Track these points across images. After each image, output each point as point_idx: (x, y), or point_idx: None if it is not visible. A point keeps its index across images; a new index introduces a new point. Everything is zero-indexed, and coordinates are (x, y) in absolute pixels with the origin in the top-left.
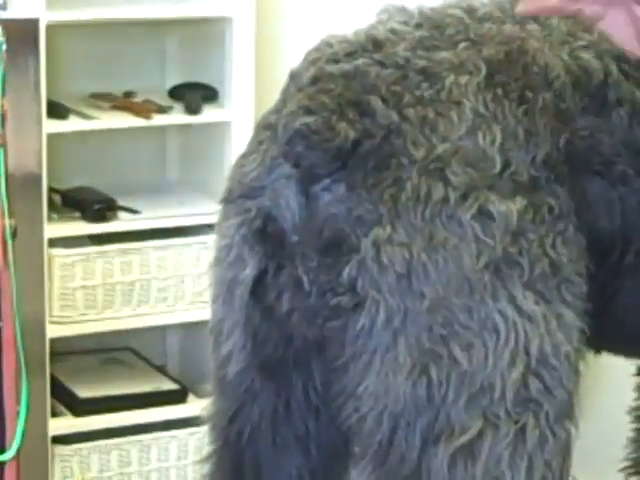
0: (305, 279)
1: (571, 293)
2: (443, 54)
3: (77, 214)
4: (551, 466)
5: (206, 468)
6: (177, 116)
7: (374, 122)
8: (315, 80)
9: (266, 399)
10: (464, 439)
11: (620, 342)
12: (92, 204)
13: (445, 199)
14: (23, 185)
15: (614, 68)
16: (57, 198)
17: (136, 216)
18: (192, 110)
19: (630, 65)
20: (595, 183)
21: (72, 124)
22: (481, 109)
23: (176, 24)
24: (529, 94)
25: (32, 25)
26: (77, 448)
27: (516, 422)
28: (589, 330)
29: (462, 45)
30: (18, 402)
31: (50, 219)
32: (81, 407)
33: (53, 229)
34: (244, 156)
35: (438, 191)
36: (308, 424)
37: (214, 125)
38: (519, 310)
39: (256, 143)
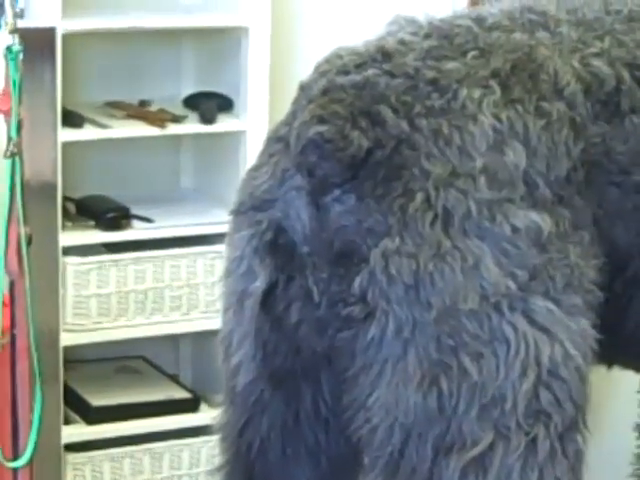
0: (315, 290)
1: (587, 303)
2: (452, 64)
3: (91, 222)
4: (562, 479)
5: (218, 479)
6: (192, 125)
7: (385, 132)
8: (326, 91)
9: (275, 410)
10: (475, 451)
11: (631, 356)
12: (106, 213)
13: (469, 214)
14: (38, 193)
15: (627, 75)
16: (71, 206)
17: (150, 225)
18: (207, 119)
19: None
20: (611, 192)
21: (87, 133)
22: (502, 126)
23: (192, 34)
24: (545, 105)
25: (49, 34)
26: (90, 456)
27: (527, 434)
28: (602, 342)
29: (471, 54)
30: (31, 410)
31: (64, 227)
32: (94, 415)
33: (67, 237)
34: (255, 169)
35: (461, 206)
36: (318, 435)
37: (229, 135)
38: (531, 321)
39: (267, 156)
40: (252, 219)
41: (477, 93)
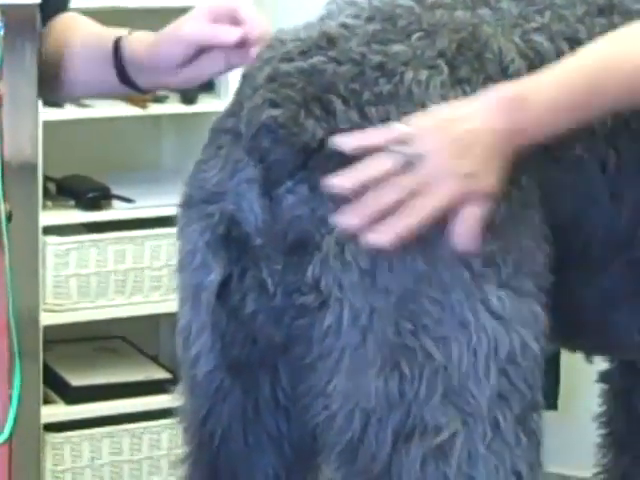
0: (270, 281)
1: (538, 286)
2: (397, 47)
3: (72, 202)
4: (525, 461)
5: (182, 470)
6: (173, 105)
7: (337, 124)
8: (272, 78)
9: (235, 399)
10: (437, 437)
11: (581, 337)
12: (87, 192)
13: None
14: (18, 173)
15: (567, 50)
16: (52, 186)
17: (130, 205)
18: (188, 100)
19: (583, 46)
20: (551, 168)
21: (68, 112)
22: None
23: (173, 13)
24: (492, 86)
25: (30, 11)
26: (69, 436)
27: (488, 419)
28: (555, 324)
29: (416, 36)
30: (11, 387)
31: (45, 207)
32: (73, 395)
33: (48, 217)
34: (203, 162)
35: None
36: (279, 424)
37: (210, 115)
38: (488, 309)
39: (214, 148)
40: (203, 212)
41: (424, 75)
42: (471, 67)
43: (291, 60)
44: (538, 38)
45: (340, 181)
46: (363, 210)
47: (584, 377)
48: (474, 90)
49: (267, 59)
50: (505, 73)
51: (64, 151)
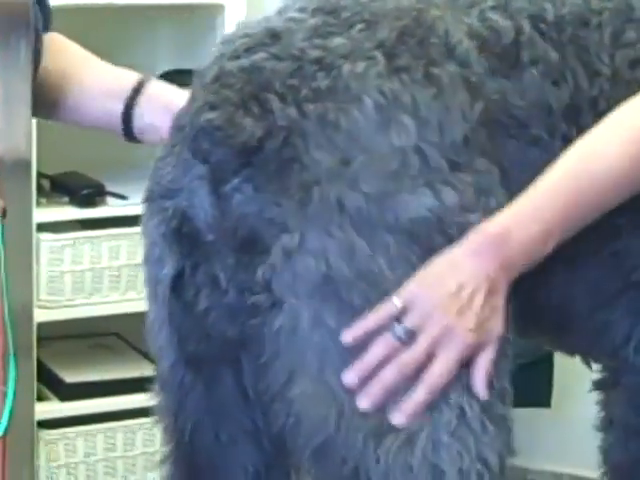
0: (222, 277)
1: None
2: (337, 40)
3: (66, 199)
4: (492, 449)
5: (164, 470)
6: None
7: (275, 122)
8: (217, 78)
9: (199, 395)
10: (404, 432)
11: (548, 327)
12: (81, 189)
13: (359, 209)
14: (12, 169)
15: (527, 26)
16: (46, 183)
17: (125, 202)
18: None
19: (548, 24)
20: (510, 146)
21: None
22: (386, 102)
23: (168, 10)
24: (434, 71)
25: (24, 8)
26: (63, 432)
27: (454, 409)
28: (520, 315)
29: (357, 27)
30: (5, 383)
31: (39, 204)
32: (67, 392)
33: (42, 214)
34: (161, 159)
35: (351, 200)
36: (255, 419)
37: None
38: None
39: (171, 145)
40: (160, 207)
41: (360, 67)
42: (412, 54)
43: (237, 58)
44: (494, 16)
45: (348, 377)
46: (373, 392)
47: (578, 375)
48: (413, 78)
49: (217, 57)
50: (452, 55)
51: (58, 148)
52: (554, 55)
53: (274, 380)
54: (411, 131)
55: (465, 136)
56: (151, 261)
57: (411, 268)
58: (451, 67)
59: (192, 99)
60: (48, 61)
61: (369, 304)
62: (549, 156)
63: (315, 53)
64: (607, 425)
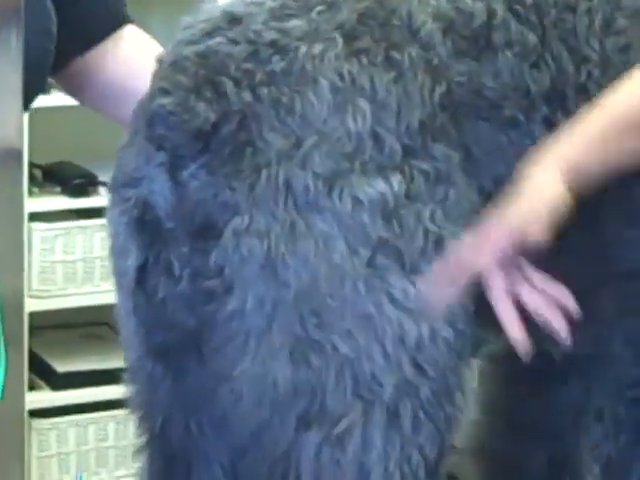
0: (176, 265)
1: None
2: (295, 22)
3: (58, 189)
4: (424, 451)
5: (140, 460)
6: None
7: (229, 106)
8: (172, 64)
9: (168, 387)
10: (337, 425)
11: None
12: (73, 179)
13: (307, 189)
14: (4, 159)
15: (501, 9)
16: (38, 173)
17: None
18: None
19: (525, 6)
20: (482, 128)
21: (54, 99)
22: (343, 84)
23: (159, 1)
24: (395, 55)
25: None
26: (54, 422)
27: (391, 407)
28: (487, 308)
29: (317, 10)
30: None
31: (31, 193)
32: (59, 381)
33: (34, 203)
34: (124, 147)
35: (299, 181)
36: (225, 408)
37: None
38: (393, 300)
39: (133, 133)
40: (123, 196)
41: (317, 49)
42: (372, 37)
43: (194, 43)
44: None
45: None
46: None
47: None
48: (373, 61)
49: (177, 42)
50: (415, 37)
51: (50, 138)
52: (532, 37)
53: (224, 364)
54: (367, 115)
55: (422, 121)
56: (116, 251)
57: (347, 252)
58: (413, 50)
59: (149, 86)
60: (128, 53)
61: (302, 285)
62: (527, 139)
63: (271, 36)
64: (598, 419)
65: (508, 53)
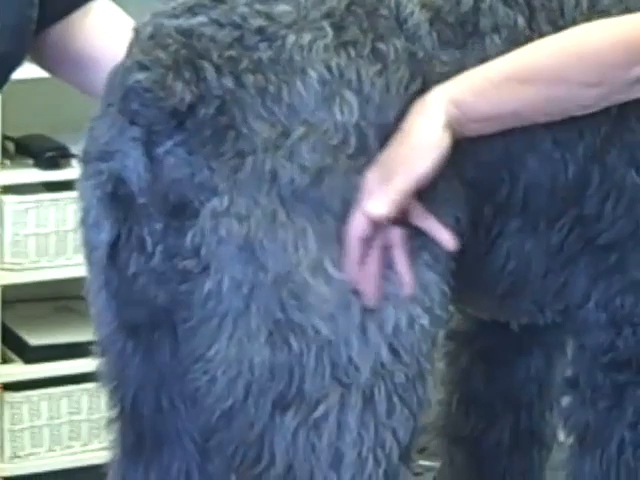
0: (149, 241)
1: (434, 255)
2: (282, 7)
3: (30, 161)
4: (398, 435)
5: (111, 433)
6: None
7: (208, 90)
8: (152, 36)
9: (139, 362)
10: (314, 409)
11: (497, 294)
12: (45, 152)
13: (292, 180)
14: None
15: None
16: (10, 145)
17: None
18: None
19: None
20: None
21: (27, 71)
22: (331, 76)
23: None
24: (381, 46)
25: None
26: (27, 395)
27: (366, 392)
28: (463, 284)
29: None
30: None
31: (3, 166)
32: (32, 354)
33: (6, 176)
34: (96, 119)
35: (285, 172)
36: (197, 387)
37: None
38: None
39: (106, 105)
40: (96, 169)
41: (307, 38)
42: (360, 27)
43: (176, 17)
44: None
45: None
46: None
47: None
48: (360, 53)
49: (156, 14)
50: (401, 28)
51: (23, 110)
52: (520, 20)
53: (199, 344)
54: (354, 108)
55: (396, 117)
56: (87, 225)
57: (325, 243)
58: (399, 42)
59: (126, 56)
60: (96, 25)
61: (280, 269)
62: None
63: (257, 22)
64: (573, 386)
65: (496, 38)
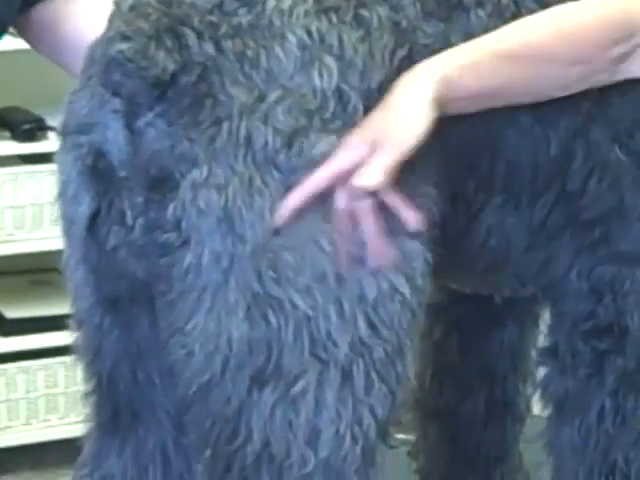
0: (129, 214)
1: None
2: None
3: (7, 134)
4: (376, 412)
5: (87, 407)
6: None
7: (190, 58)
8: (133, 7)
9: (117, 336)
10: (292, 385)
11: (476, 269)
12: (22, 124)
13: (266, 144)
14: None
15: None
16: None
17: None
18: None
19: None
20: None
21: (3, 43)
22: (311, 41)
23: None
24: (364, 13)
25: None
26: (3, 368)
27: (345, 368)
28: (444, 259)
29: None
30: None
31: None
32: (8, 327)
33: None
34: (76, 92)
35: (260, 135)
36: (175, 361)
37: None
38: (353, 257)
39: (86, 77)
40: (75, 142)
41: (287, 3)
42: None
43: None
44: None
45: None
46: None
47: None
48: (342, 19)
49: None
50: None
51: (0, 82)
52: None
53: (178, 317)
54: (334, 73)
55: (381, 83)
56: (66, 198)
57: (303, 209)
58: (382, 10)
59: (106, 28)
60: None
61: (259, 239)
62: None
63: None
64: (552, 355)
65: (480, 12)
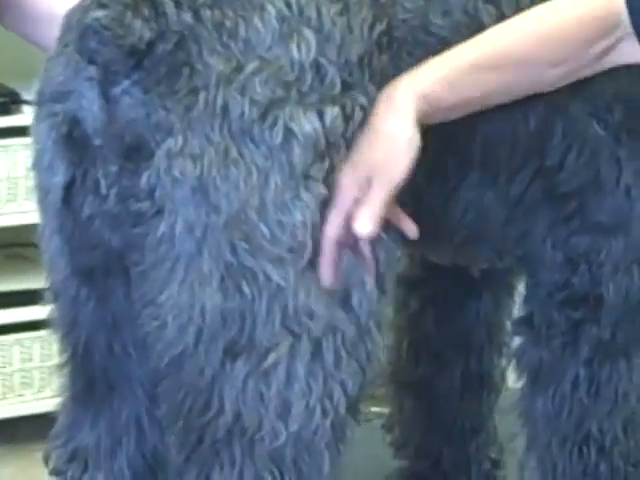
0: (103, 183)
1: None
2: None
3: None
4: (346, 386)
5: (62, 378)
6: None
7: (168, 26)
8: None
9: (93, 308)
10: (264, 357)
11: (454, 242)
12: None
13: (242, 115)
14: None
15: None
16: None
17: None
18: None
19: None
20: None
21: None
22: (290, 13)
23: None
24: None
25: None
26: None
27: (316, 342)
28: (423, 232)
29: None
30: None
31: None
32: None
33: None
34: (51, 59)
35: (236, 106)
36: (148, 332)
37: None
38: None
39: (62, 45)
40: (51, 110)
41: None
42: None
43: None
44: None
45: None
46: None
47: None
48: None
49: None
50: None
51: None
52: None
53: (150, 288)
54: (312, 46)
55: (360, 57)
56: (41, 168)
57: (276, 180)
58: None
59: None
60: None
61: (233, 210)
62: None
63: None
64: (527, 324)
65: None
